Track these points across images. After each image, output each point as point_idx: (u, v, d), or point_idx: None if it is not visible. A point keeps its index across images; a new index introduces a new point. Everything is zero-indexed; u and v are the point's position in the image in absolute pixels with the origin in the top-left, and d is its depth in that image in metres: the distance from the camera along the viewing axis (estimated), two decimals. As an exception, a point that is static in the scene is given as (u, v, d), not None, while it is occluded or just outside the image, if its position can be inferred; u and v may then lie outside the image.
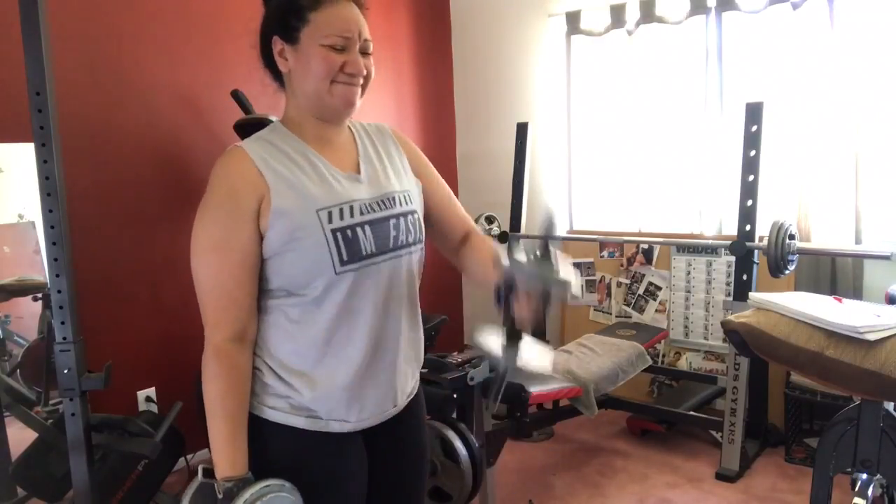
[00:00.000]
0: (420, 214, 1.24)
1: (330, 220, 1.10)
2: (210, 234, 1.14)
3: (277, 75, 1.24)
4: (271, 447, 1.14)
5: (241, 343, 1.14)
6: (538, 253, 1.10)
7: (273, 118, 2.48)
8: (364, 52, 1.20)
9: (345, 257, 1.10)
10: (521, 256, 1.13)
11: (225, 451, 1.08)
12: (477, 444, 2.05)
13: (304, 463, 1.14)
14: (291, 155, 1.17)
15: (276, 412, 1.14)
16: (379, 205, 1.17)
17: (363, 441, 1.20)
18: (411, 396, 1.29)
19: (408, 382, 1.27)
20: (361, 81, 1.22)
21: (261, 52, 1.22)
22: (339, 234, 1.10)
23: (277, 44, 1.17)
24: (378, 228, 1.14)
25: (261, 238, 1.10)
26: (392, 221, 1.17)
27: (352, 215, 1.13)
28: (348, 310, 1.12)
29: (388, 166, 1.26)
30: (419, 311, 1.33)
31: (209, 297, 1.15)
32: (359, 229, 1.12)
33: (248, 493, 1.01)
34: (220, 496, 1.04)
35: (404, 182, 1.25)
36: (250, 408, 1.14)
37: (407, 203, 1.21)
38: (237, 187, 1.10)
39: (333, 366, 1.13)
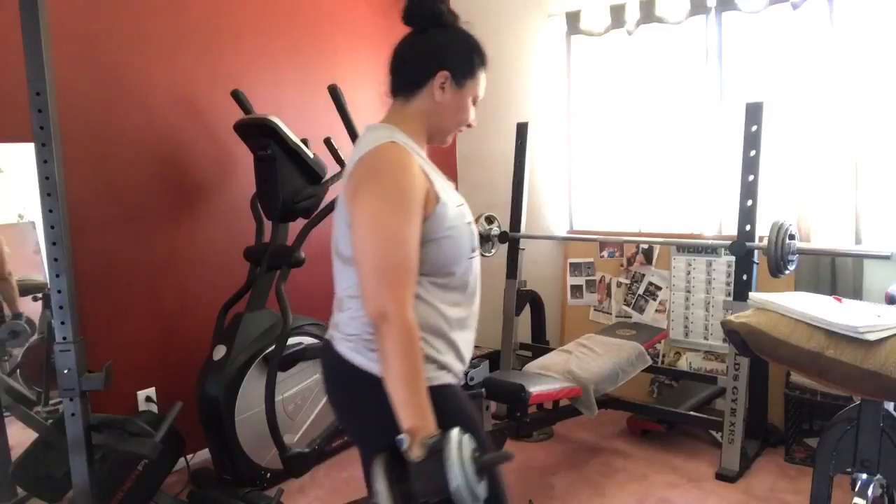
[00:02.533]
0: None
1: (464, 217, 1.33)
2: (400, 217, 1.21)
3: (401, 86, 1.40)
4: (452, 410, 1.27)
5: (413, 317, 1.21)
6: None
7: (273, 118, 2.48)
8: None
9: (473, 246, 1.34)
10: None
11: (427, 413, 1.15)
12: (477, 444, 2.05)
13: (461, 411, 1.30)
14: (425, 158, 1.34)
15: (446, 376, 1.31)
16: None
17: None
18: None
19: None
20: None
21: (410, 64, 1.39)
22: (470, 228, 1.35)
23: (443, 77, 1.36)
24: (475, 242, 1.39)
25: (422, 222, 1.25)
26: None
27: (468, 213, 1.37)
28: (472, 288, 1.35)
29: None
30: None
31: (398, 274, 1.20)
32: (473, 225, 1.37)
33: (455, 436, 1.09)
34: (422, 453, 1.10)
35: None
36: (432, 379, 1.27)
37: None
38: (416, 176, 1.24)
39: (462, 333, 1.33)
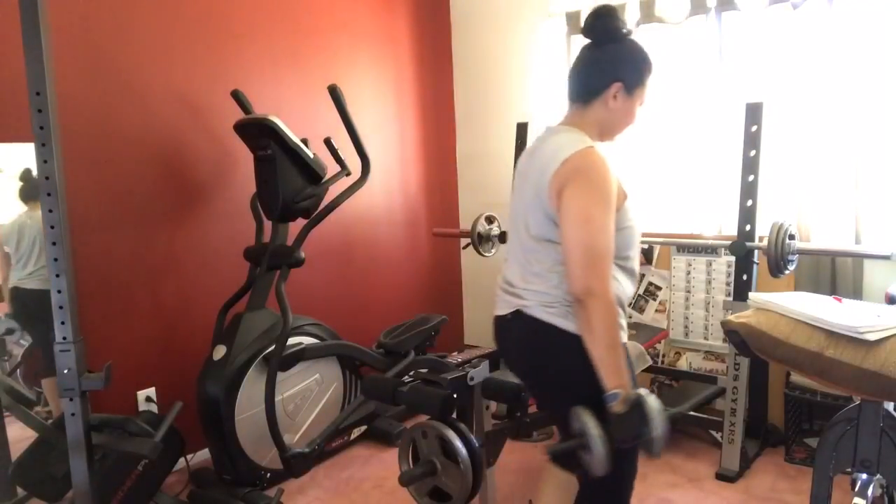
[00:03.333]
0: None
1: (637, 211, 1.58)
2: (603, 212, 1.46)
3: (580, 94, 1.63)
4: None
5: None
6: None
7: (273, 118, 2.48)
8: None
9: (639, 240, 1.64)
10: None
11: (626, 375, 1.44)
12: (477, 444, 2.05)
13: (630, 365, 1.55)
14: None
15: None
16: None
17: None
18: None
19: None
20: None
21: (589, 75, 1.61)
22: (639, 220, 1.61)
23: (617, 88, 1.57)
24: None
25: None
26: None
27: (637, 217, 1.61)
28: (633, 274, 1.63)
29: None
30: None
31: (603, 259, 1.45)
32: (636, 231, 1.62)
33: (651, 396, 1.41)
34: (624, 408, 1.40)
35: None
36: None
37: None
38: (613, 178, 1.49)
39: (627, 307, 1.65)
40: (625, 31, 1.58)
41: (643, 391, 1.41)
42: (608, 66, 1.58)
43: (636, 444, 1.40)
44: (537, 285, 1.59)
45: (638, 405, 1.39)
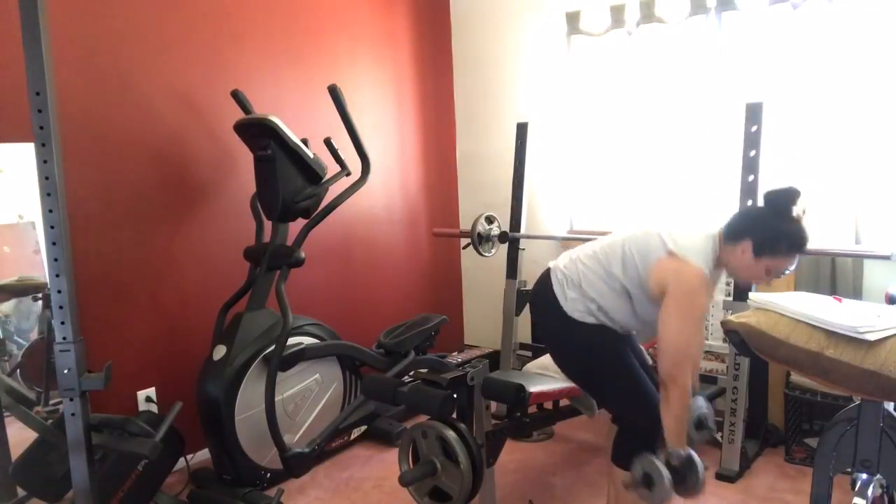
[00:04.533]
0: None
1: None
2: (699, 321, 1.93)
3: (728, 230, 1.93)
4: (600, 331, 2.04)
5: None
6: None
7: (273, 118, 2.48)
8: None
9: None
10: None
11: (684, 440, 1.86)
12: (477, 444, 2.05)
13: (615, 336, 2.06)
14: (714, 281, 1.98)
15: (602, 320, 2.03)
16: None
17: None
18: None
19: None
20: None
21: (738, 223, 1.94)
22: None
23: (746, 245, 1.88)
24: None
25: None
26: None
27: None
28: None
29: None
30: None
31: (687, 359, 1.85)
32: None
33: (698, 459, 1.84)
34: (679, 464, 1.83)
35: None
36: (585, 319, 2.03)
37: None
38: (707, 301, 1.91)
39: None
40: (794, 214, 1.86)
41: (693, 452, 1.84)
42: (750, 225, 1.90)
43: (685, 488, 1.84)
44: (585, 293, 2.02)
45: (690, 462, 1.82)
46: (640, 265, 1.93)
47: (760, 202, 1.97)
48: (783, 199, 1.87)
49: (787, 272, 1.91)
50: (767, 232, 1.86)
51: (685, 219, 3.33)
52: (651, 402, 1.94)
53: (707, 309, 1.92)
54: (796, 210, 1.86)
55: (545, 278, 2.14)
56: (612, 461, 2.06)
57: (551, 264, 2.17)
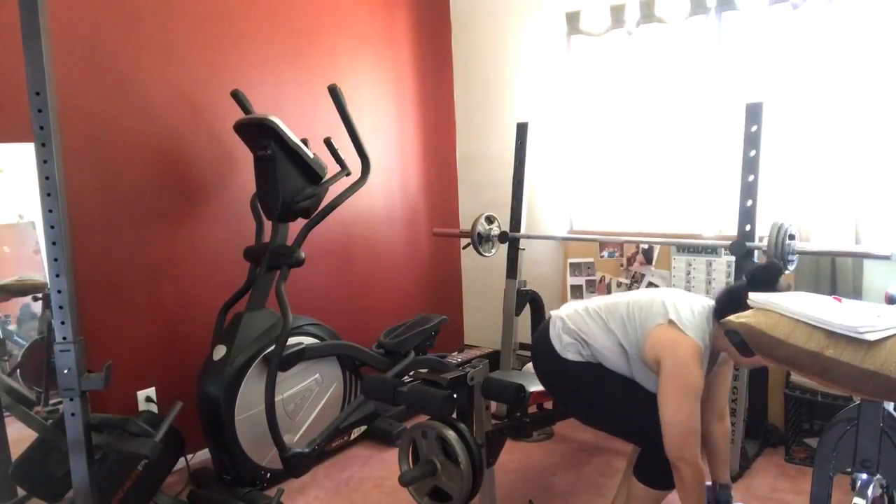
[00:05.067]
0: None
1: None
2: (695, 396, 1.83)
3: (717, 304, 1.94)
4: (597, 368, 2.06)
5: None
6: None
7: (273, 118, 2.48)
8: None
9: None
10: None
11: None
12: (477, 444, 2.05)
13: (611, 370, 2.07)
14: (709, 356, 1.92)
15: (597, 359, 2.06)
16: None
17: None
18: None
19: None
20: None
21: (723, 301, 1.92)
22: None
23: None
24: None
25: None
26: None
27: None
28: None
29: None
30: None
31: (692, 436, 1.83)
32: None
33: None
34: None
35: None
36: (585, 357, 2.06)
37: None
38: (702, 374, 1.86)
39: None
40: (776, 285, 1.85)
41: None
42: (734, 305, 1.79)
43: None
44: (580, 340, 2.06)
45: None
46: (639, 328, 1.95)
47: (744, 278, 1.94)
48: (766, 277, 1.85)
49: None
50: None
51: (686, 223, 3.34)
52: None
53: (702, 384, 1.86)
54: (781, 287, 1.85)
55: (545, 326, 2.17)
56: (633, 473, 2.02)
57: (553, 313, 2.18)
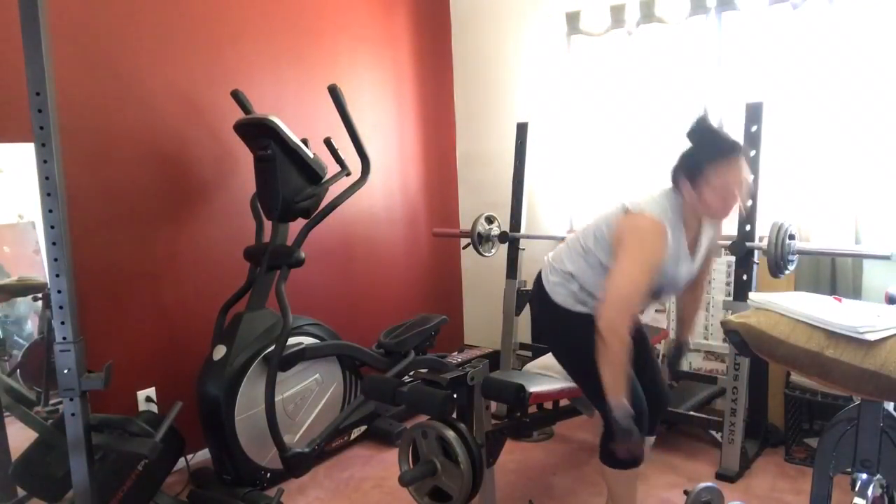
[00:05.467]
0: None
1: (662, 280, 1.91)
2: (645, 266, 1.83)
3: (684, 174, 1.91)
4: (585, 325, 1.94)
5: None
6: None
7: (273, 118, 2.48)
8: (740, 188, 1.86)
9: (656, 295, 2.00)
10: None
11: (621, 393, 1.85)
12: (477, 444, 2.05)
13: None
14: (675, 232, 1.89)
15: (588, 310, 2.01)
16: (687, 276, 2.00)
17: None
18: None
19: None
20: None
21: (686, 164, 1.92)
22: (658, 287, 1.93)
23: (684, 182, 1.90)
24: (679, 285, 2.02)
25: None
26: (687, 281, 2.03)
27: (670, 280, 1.94)
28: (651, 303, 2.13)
29: (702, 252, 2.04)
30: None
31: (631, 297, 1.84)
32: (666, 286, 1.98)
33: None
34: (621, 412, 1.84)
35: (700, 261, 2.06)
36: (572, 307, 2.05)
37: (694, 276, 2.06)
38: (663, 249, 1.86)
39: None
40: (711, 127, 1.93)
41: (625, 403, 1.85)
42: (680, 162, 1.95)
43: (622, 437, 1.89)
44: (564, 276, 2.08)
45: (623, 416, 1.85)
46: (606, 233, 1.95)
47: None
48: (698, 126, 1.91)
49: (742, 185, 1.85)
50: (689, 160, 1.89)
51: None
52: (633, 401, 1.93)
53: (660, 257, 1.84)
54: (714, 124, 1.91)
55: (539, 274, 2.23)
56: (600, 459, 2.08)
57: (545, 258, 2.25)
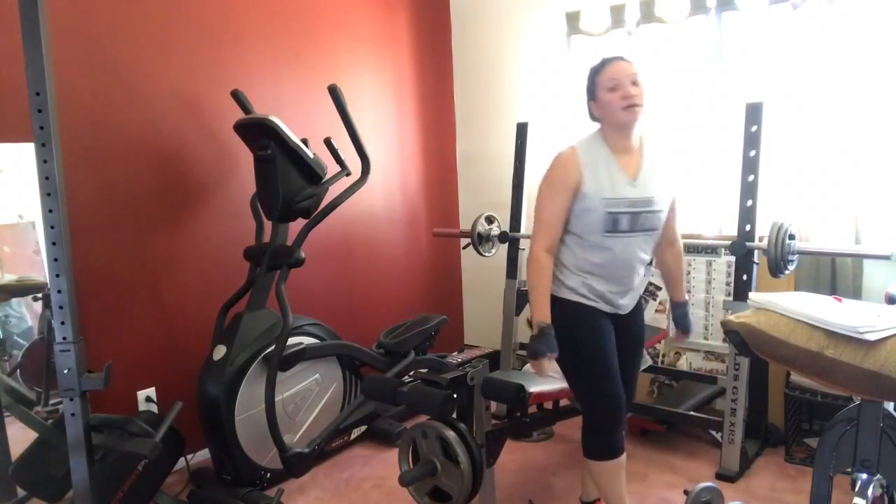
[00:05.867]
0: (665, 213, 2.05)
1: (608, 207, 1.94)
2: (551, 192, 1.97)
3: (588, 99, 2.03)
4: (566, 314, 2.04)
5: (549, 253, 1.99)
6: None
7: (273, 118, 2.48)
8: (634, 84, 1.93)
9: (609, 229, 1.96)
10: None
11: (540, 311, 1.97)
12: (477, 444, 2.05)
13: (582, 317, 2.05)
14: (601, 161, 1.96)
15: (572, 295, 2.05)
16: (639, 203, 1.97)
17: (611, 320, 2.09)
18: (631, 308, 2.15)
19: (630, 303, 2.13)
20: (637, 101, 1.92)
21: (587, 90, 2.03)
22: (609, 216, 1.95)
23: (590, 104, 2.02)
24: (633, 218, 1.97)
25: (571, 201, 1.96)
26: (643, 215, 1.99)
27: (619, 207, 1.95)
28: (605, 253, 1.99)
29: (657, 176, 2.02)
30: (651, 265, 2.16)
31: (543, 223, 1.98)
32: (621, 216, 1.96)
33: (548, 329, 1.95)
34: (534, 332, 1.96)
35: (664, 188, 2.02)
36: (556, 292, 2.05)
37: (657, 205, 2.01)
38: (570, 173, 1.95)
39: (594, 279, 2.03)
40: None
41: (545, 329, 1.96)
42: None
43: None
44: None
45: (539, 332, 1.95)
46: None
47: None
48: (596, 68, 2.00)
49: (626, 76, 1.92)
50: (586, 85, 2.02)
51: (686, 223, 3.34)
52: (607, 397, 2.01)
53: (566, 181, 1.94)
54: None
55: None
56: (583, 453, 2.11)
57: None
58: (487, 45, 3.91)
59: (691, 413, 2.94)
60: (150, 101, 2.71)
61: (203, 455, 2.86)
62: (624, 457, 2.08)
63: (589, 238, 1.98)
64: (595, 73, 1.99)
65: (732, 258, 2.83)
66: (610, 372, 2.03)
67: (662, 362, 3.35)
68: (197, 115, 2.87)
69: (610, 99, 1.93)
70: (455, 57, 4.09)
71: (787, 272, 2.50)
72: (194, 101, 2.85)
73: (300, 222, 2.72)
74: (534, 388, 2.35)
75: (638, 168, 1.99)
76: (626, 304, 2.11)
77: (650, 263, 2.16)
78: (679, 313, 2.29)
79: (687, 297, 2.32)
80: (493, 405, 2.29)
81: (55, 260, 1.55)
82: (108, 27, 2.58)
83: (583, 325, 2.04)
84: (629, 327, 2.16)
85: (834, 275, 2.87)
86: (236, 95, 2.82)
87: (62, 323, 1.56)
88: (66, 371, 1.57)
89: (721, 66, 3.17)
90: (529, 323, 2.13)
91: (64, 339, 1.57)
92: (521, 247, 3.46)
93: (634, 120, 1.95)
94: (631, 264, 2.03)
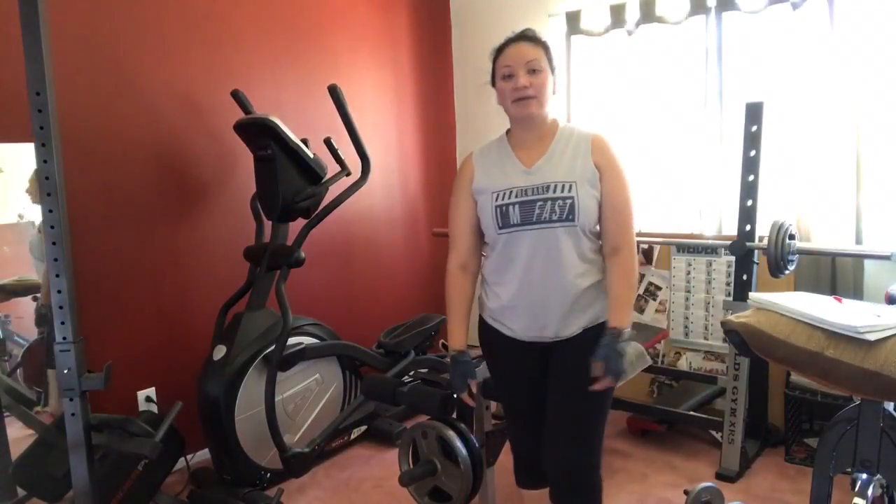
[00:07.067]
0: (578, 202, 1.64)
1: (496, 200, 1.68)
2: (454, 199, 1.81)
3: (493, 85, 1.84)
4: (482, 338, 1.85)
5: (462, 270, 1.80)
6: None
7: (273, 118, 2.48)
8: (532, 71, 1.73)
9: (500, 225, 1.67)
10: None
11: (454, 335, 1.79)
12: (477, 444, 2.05)
13: (490, 346, 1.84)
14: (496, 155, 1.77)
15: (487, 315, 1.81)
16: (533, 190, 1.65)
17: (539, 350, 1.74)
18: (569, 337, 1.71)
19: (559, 325, 1.69)
20: (530, 93, 1.71)
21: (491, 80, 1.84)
22: (498, 209, 1.67)
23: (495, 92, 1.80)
24: (525, 207, 1.65)
25: (473, 205, 1.76)
26: (539, 203, 1.64)
27: (508, 197, 1.67)
28: (505, 257, 1.69)
29: (564, 163, 1.69)
30: (576, 272, 1.68)
31: (451, 236, 1.82)
32: (510, 207, 1.66)
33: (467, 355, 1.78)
34: (448, 359, 1.80)
35: (572, 175, 1.67)
36: (480, 311, 1.84)
37: (562, 191, 1.64)
38: (465, 173, 1.80)
39: (499, 289, 1.73)
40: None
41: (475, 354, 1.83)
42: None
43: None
44: None
45: (452, 361, 1.79)
46: None
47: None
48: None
49: (512, 74, 1.75)
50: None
51: (686, 223, 3.34)
52: (514, 449, 1.89)
53: (462, 185, 1.79)
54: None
55: None
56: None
57: None
58: (487, 45, 3.89)
59: (691, 413, 2.94)
60: (150, 101, 2.71)
61: (203, 455, 2.86)
62: (528, 492, 1.97)
63: (489, 241, 1.73)
64: (494, 56, 1.80)
65: (732, 258, 2.83)
66: (516, 424, 1.85)
67: (662, 362, 3.35)
68: (197, 115, 2.87)
69: (502, 88, 1.75)
70: (455, 57, 4.09)
71: (787, 272, 2.51)
72: (194, 100, 2.85)
73: (300, 222, 2.72)
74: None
75: (539, 156, 1.70)
76: (552, 327, 1.69)
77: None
78: (604, 342, 1.63)
79: (628, 330, 1.66)
80: (493, 405, 2.29)
81: (55, 260, 1.55)
82: (108, 27, 2.57)
83: (490, 359, 1.86)
84: (564, 361, 1.72)
85: (834, 275, 2.87)
86: (236, 95, 2.82)
87: (62, 323, 1.56)
88: (66, 371, 1.57)
89: (721, 66, 3.17)
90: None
91: (64, 339, 1.57)
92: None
93: (527, 115, 1.70)
94: (543, 270, 1.64)
